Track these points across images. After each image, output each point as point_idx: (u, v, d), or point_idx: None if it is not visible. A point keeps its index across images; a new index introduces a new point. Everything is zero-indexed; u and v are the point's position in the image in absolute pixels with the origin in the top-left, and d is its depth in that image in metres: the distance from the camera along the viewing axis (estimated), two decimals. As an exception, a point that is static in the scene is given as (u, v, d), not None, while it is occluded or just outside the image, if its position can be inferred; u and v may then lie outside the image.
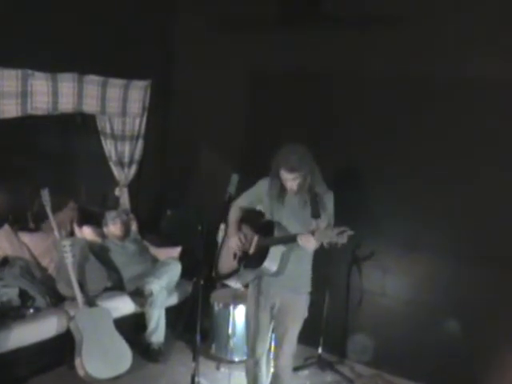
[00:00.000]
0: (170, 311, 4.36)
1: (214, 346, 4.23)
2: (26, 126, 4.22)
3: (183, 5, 5.06)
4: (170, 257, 4.67)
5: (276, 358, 3.18)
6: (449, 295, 3.91)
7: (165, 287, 4.24)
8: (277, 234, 2.98)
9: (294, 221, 3.01)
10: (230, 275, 3.24)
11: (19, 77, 3.91)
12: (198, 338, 2.93)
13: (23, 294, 3.81)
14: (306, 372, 4.17)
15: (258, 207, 3.22)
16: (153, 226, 5.20)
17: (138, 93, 4.87)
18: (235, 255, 3.16)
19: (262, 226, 3.10)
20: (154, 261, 4.65)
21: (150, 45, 4.90)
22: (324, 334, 4.23)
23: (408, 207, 4.03)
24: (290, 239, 2.90)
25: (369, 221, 4.13)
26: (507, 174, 3.66)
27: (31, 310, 3.77)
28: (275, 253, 2.94)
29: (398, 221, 4.07)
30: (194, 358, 2.94)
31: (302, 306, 3.11)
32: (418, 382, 4.04)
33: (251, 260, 3.06)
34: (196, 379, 2.96)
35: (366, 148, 4.17)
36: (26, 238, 4.35)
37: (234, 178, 2.96)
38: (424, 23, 3.83)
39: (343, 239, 2.64)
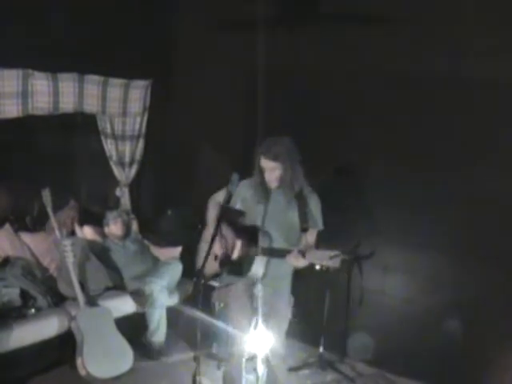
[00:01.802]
0: (170, 311, 4.36)
1: (215, 346, 4.23)
2: (27, 125, 4.23)
3: (183, 5, 5.06)
4: (171, 257, 4.68)
5: (268, 360, 3.13)
6: (449, 294, 3.91)
7: (166, 287, 4.25)
8: (261, 242, 2.89)
9: (278, 226, 2.94)
10: (212, 277, 3.14)
11: (20, 77, 3.92)
12: (199, 337, 2.92)
13: (24, 294, 3.82)
14: (306, 371, 4.17)
15: (238, 206, 3.11)
16: (153, 225, 5.21)
17: (138, 92, 4.88)
18: (216, 256, 3.07)
19: (245, 231, 3.00)
20: (155, 261, 4.65)
21: (150, 44, 4.90)
22: (325, 333, 4.23)
23: (408, 206, 4.03)
24: (278, 255, 2.83)
25: (369, 220, 4.14)
26: (508, 173, 3.66)
27: (32, 310, 3.78)
28: (261, 259, 2.89)
29: (399, 220, 4.07)
30: (195, 358, 2.94)
31: (284, 307, 3.08)
32: (419, 381, 4.04)
33: (235, 265, 2.96)
34: (197, 379, 2.96)
35: (366, 147, 4.17)
36: (27, 238, 4.35)
37: (235, 177, 2.95)
38: (424, 23, 3.83)
39: (336, 263, 2.56)
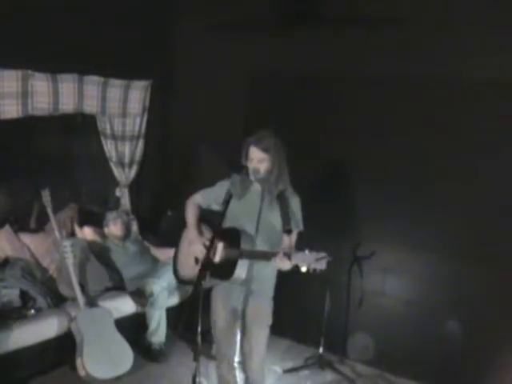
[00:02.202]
0: (170, 311, 4.36)
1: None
2: (27, 126, 4.23)
3: (183, 5, 5.06)
4: (171, 257, 4.66)
5: (247, 366, 3.11)
6: (449, 295, 3.92)
7: (165, 287, 4.25)
8: (243, 244, 2.83)
9: (260, 227, 2.88)
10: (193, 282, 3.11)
11: (19, 77, 3.91)
12: (199, 338, 2.92)
13: (24, 295, 3.81)
14: (306, 372, 4.18)
15: (214, 207, 3.06)
16: (153, 226, 5.20)
17: (138, 93, 4.87)
18: (197, 260, 3.01)
19: (227, 234, 2.91)
20: (155, 261, 4.65)
21: (150, 45, 4.90)
22: (325, 333, 4.23)
23: (408, 207, 4.03)
24: (263, 257, 2.79)
25: (369, 220, 4.14)
26: (507, 173, 3.67)
27: (32, 311, 3.77)
28: (244, 262, 2.83)
29: (399, 220, 4.07)
30: (195, 358, 2.93)
31: (265, 312, 3.03)
32: (419, 382, 4.05)
33: (217, 269, 2.85)
34: (197, 379, 2.95)
35: (366, 148, 4.17)
36: (26, 238, 4.35)
37: (235, 178, 2.94)
38: (424, 24, 3.84)
39: (322, 265, 2.51)
